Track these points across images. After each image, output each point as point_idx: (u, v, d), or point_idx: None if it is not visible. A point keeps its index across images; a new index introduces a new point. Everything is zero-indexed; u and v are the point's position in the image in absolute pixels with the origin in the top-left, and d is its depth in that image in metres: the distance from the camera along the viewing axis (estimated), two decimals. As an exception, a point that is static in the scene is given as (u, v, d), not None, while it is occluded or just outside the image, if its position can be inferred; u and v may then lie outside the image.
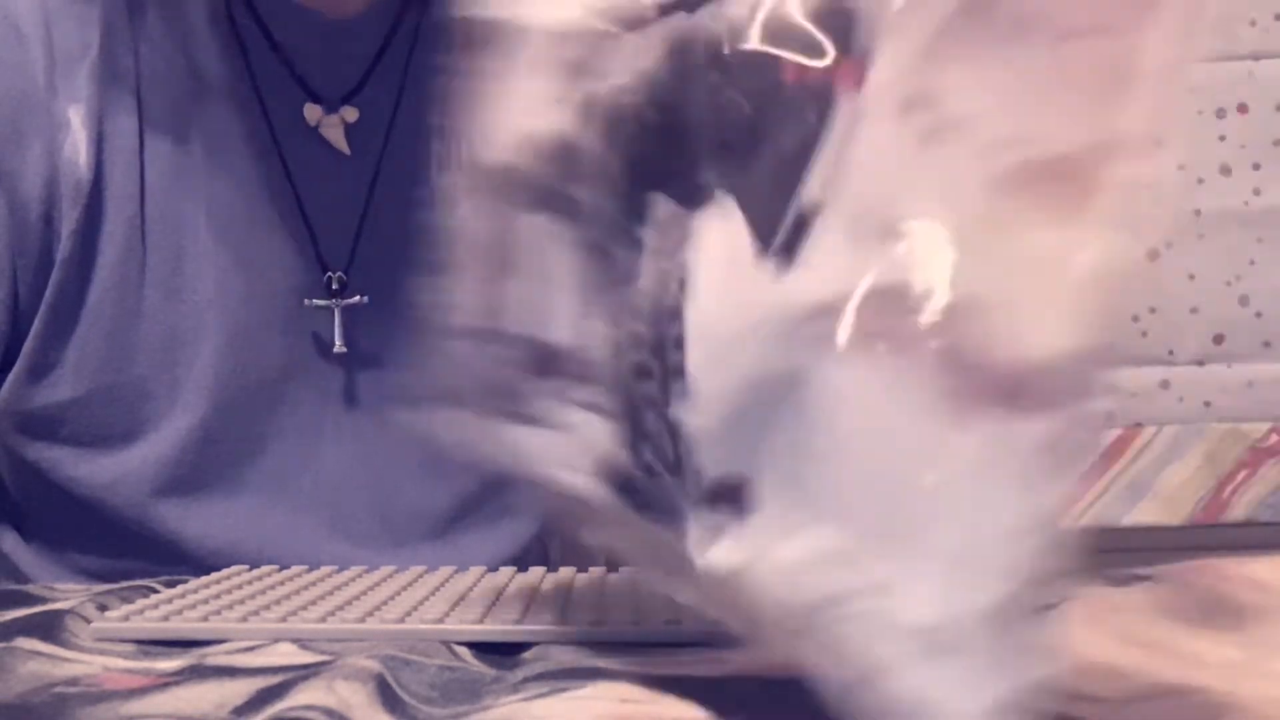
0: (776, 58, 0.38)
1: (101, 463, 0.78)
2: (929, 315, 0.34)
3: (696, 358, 0.37)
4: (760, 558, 0.36)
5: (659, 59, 0.41)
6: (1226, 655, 0.51)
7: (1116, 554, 0.68)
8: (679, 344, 0.38)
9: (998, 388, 0.33)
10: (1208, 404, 0.88)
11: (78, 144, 0.76)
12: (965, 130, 0.36)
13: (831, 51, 0.38)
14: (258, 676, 0.48)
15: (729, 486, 0.37)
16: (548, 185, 0.43)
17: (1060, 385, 0.33)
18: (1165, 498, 0.88)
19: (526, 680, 0.47)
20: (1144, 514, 0.88)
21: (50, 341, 0.77)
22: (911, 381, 0.34)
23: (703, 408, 0.37)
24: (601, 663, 0.49)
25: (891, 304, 0.34)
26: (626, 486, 0.41)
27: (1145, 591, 0.59)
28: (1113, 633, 0.53)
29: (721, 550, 0.37)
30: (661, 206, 0.40)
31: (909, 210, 0.35)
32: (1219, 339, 0.88)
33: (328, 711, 0.43)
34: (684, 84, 0.40)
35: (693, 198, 0.39)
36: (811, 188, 0.37)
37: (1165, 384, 0.88)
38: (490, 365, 0.46)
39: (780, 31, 0.39)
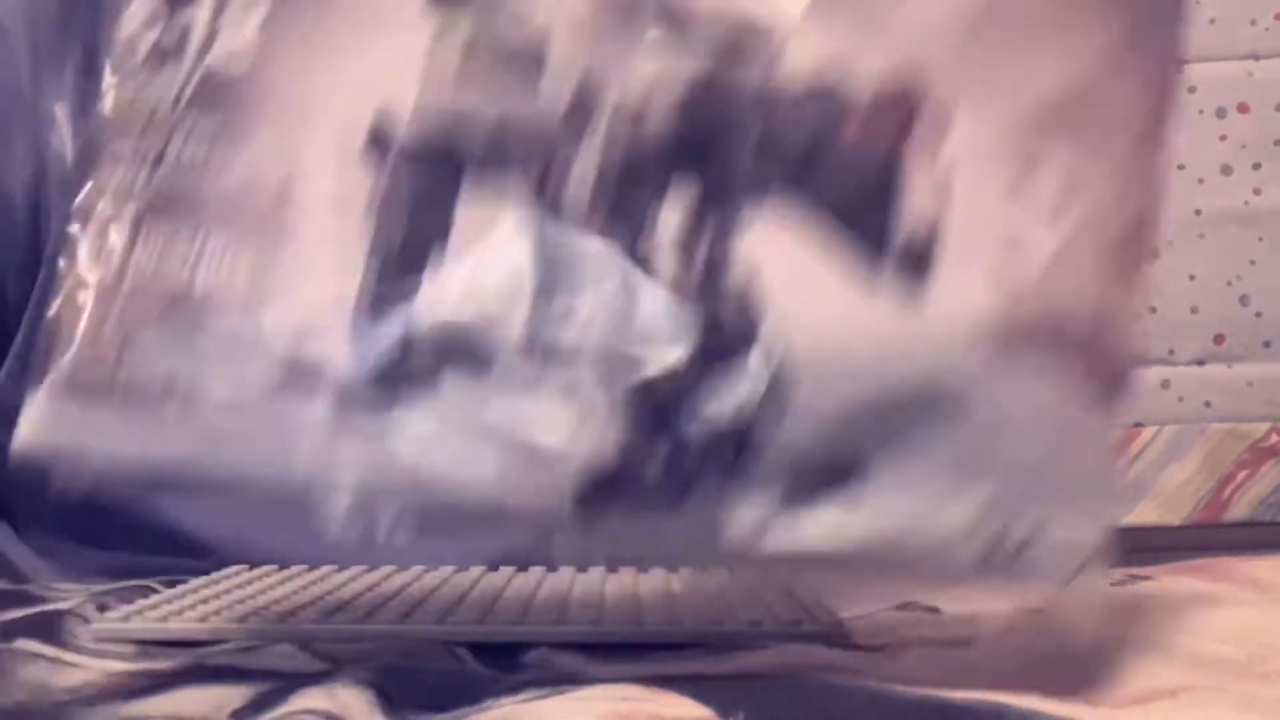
0: (841, 107, 0.42)
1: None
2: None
3: (803, 383, 0.42)
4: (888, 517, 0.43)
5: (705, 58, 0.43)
6: (1227, 655, 0.51)
7: (1116, 554, 0.68)
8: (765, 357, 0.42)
9: (1115, 377, 0.44)
10: (1208, 404, 0.88)
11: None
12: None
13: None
14: (257, 679, 0.48)
15: (833, 469, 0.43)
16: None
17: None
18: (1165, 498, 0.88)
19: (526, 681, 0.47)
20: (1144, 514, 0.88)
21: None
22: (1055, 376, 0.43)
23: (807, 421, 0.42)
24: (601, 663, 0.49)
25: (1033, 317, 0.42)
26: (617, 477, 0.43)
27: (1144, 592, 0.59)
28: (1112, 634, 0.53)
29: (827, 517, 0.43)
30: (687, 190, 0.42)
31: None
32: (1219, 339, 0.88)
33: (327, 715, 0.43)
34: (732, 79, 0.42)
35: (733, 186, 0.42)
36: (916, 219, 0.41)
37: (1165, 384, 0.88)
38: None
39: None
